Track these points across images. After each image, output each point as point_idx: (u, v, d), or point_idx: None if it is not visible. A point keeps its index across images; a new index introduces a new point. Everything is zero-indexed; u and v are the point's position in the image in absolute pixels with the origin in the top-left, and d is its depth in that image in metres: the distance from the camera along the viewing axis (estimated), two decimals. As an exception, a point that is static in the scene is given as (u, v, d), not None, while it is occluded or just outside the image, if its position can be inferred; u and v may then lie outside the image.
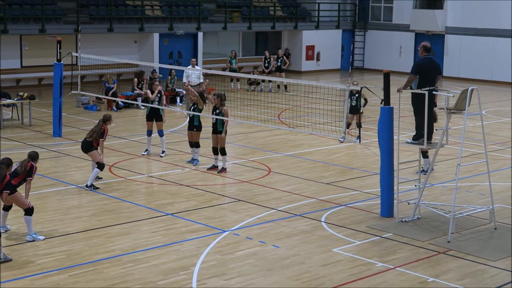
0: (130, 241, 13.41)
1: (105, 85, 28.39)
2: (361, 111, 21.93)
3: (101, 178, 17.58)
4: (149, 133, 20.31)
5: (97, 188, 16.91)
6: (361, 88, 18.16)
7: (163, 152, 20.20)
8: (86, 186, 16.91)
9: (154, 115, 20.17)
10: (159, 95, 20.27)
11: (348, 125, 21.96)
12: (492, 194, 14.55)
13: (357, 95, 21.91)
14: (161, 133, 20.17)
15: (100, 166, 16.93)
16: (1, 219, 13.38)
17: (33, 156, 13.67)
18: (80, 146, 17.47)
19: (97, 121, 17.44)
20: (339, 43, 44.66)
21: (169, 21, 37.38)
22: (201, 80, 27.88)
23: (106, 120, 17.23)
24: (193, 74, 28.05)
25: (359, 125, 21.80)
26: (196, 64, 31.23)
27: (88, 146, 16.94)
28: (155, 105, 20.05)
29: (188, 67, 28.54)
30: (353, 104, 22.05)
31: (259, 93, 33.15)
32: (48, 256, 12.52)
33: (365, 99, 22.09)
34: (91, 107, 27.91)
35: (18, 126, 24.49)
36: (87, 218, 14.78)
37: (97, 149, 16.93)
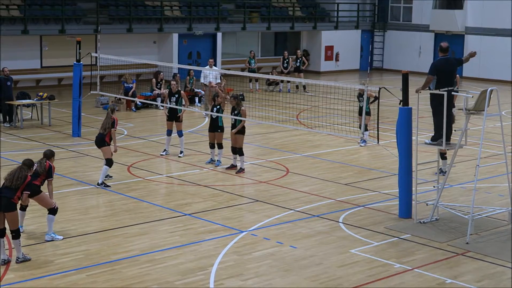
0: (148, 241, 13.44)
1: (124, 85, 28.47)
2: (366, 109, 21.62)
3: (111, 177, 17.68)
4: (169, 132, 20.34)
5: (108, 186, 17.03)
6: (366, 89, 18.01)
7: (181, 152, 20.24)
8: (97, 184, 17.04)
9: (174, 116, 20.20)
10: (176, 95, 20.28)
11: (360, 126, 21.89)
12: (511, 196, 14.45)
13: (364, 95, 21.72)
14: (180, 134, 20.21)
15: (109, 162, 17.07)
16: (19, 219, 13.44)
17: (49, 155, 13.73)
18: (94, 141, 17.64)
19: (106, 115, 17.61)
20: (358, 44, 44.57)
21: (188, 21, 37.47)
22: (218, 81, 27.86)
23: (113, 110, 17.50)
24: (211, 74, 28.07)
25: (365, 128, 21.60)
26: (214, 65, 31.25)
27: (102, 140, 17.16)
28: (173, 105, 20.09)
29: (206, 67, 28.57)
30: (361, 105, 21.91)
31: (278, 94, 33.13)
32: (66, 256, 12.59)
33: (375, 97, 21.66)
34: (110, 107, 27.98)
35: (37, 126, 24.63)
36: (106, 218, 14.84)
37: (109, 144, 17.09)
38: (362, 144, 22.02)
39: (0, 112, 24.66)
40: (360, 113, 21.84)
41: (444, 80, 14.48)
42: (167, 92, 20.69)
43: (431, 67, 14.75)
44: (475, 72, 40.33)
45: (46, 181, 13.44)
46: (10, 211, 12.05)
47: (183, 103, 20.30)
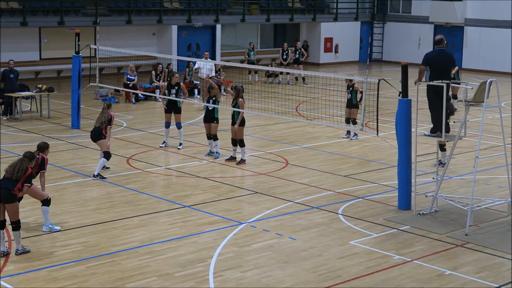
0: (147, 233, 13.45)
1: (127, 76, 28.36)
2: (355, 102, 21.58)
3: (108, 168, 17.71)
4: (167, 125, 20.32)
5: (105, 177, 17.04)
6: (353, 82, 17.85)
7: (180, 144, 20.23)
8: (94, 175, 17.06)
9: (173, 107, 20.19)
10: (176, 87, 20.26)
11: (347, 120, 21.83)
12: (511, 187, 14.44)
13: (351, 88, 21.68)
14: (179, 126, 20.19)
15: (107, 155, 17.11)
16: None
17: (43, 147, 13.78)
18: (89, 135, 17.68)
19: (101, 110, 17.62)
20: (357, 35, 44.53)
21: (187, 13, 37.41)
22: (213, 74, 27.78)
23: (109, 105, 17.56)
24: (205, 67, 28.02)
25: (353, 122, 21.53)
26: (212, 57, 31.17)
27: (98, 134, 17.18)
28: (173, 97, 20.06)
29: (201, 59, 28.50)
30: (348, 97, 21.87)
31: (277, 85, 33.11)
32: (65, 248, 12.59)
33: (361, 92, 21.53)
34: (109, 99, 27.95)
35: (37, 118, 24.63)
36: (105, 210, 14.84)
37: (105, 138, 17.11)
38: (353, 138, 21.99)
39: (2, 104, 24.66)
40: (347, 106, 21.82)
41: (438, 72, 14.48)
42: (166, 84, 20.67)
43: (423, 58, 14.81)
44: (474, 63, 40.32)
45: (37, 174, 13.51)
46: (11, 202, 12.08)
47: (182, 95, 20.27)
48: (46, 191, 13.53)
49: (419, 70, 14.60)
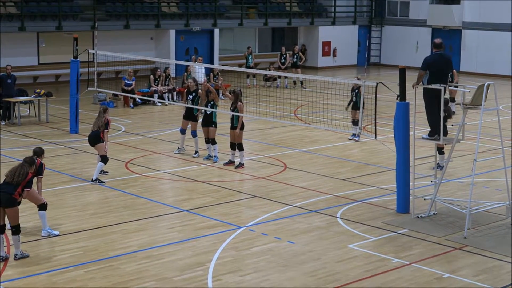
0: (146, 237, 13.45)
1: (125, 80, 28.35)
2: (358, 104, 21.63)
3: (106, 172, 17.70)
4: (182, 131, 20.09)
5: (103, 182, 17.04)
6: (360, 85, 17.96)
7: (196, 152, 19.94)
8: (92, 180, 17.05)
9: (190, 115, 20.04)
10: (194, 94, 19.99)
11: (354, 122, 21.88)
12: (509, 190, 14.46)
13: (357, 90, 21.73)
14: (194, 134, 19.88)
15: (104, 159, 17.10)
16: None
17: (39, 153, 13.83)
18: (87, 139, 17.66)
19: (98, 114, 17.59)
20: (355, 39, 44.58)
21: (185, 17, 37.45)
22: (205, 78, 27.77)
23: (106, 110, 17.53)
24: (201, 71, 28.01)
25: (356, 123, 21.54)
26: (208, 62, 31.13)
27: (97, 138, 17.17)
28: (189, 104, 19.87)
29: (195, 63, 28.52)
30: (353, 100, 21.96)
31: (275, 89, 33.09)
32: (64, 252, 12.59)
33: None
34: (107, 104, 27.95)
35: (35, 123, 24.63)
36: (103, 215, 14.84)
37: (103, 142, 17.11)
38: (357, 139, 22.03)
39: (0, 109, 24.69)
40: (353, 108, 21.90)
41: (436, 75, 14.47)
42: (185, 91, 20.57)
43: (422, 62, 14.77)
44: (472, 66, 40.37)
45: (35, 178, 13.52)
46: (11, 206, 12.11)
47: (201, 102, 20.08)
48: (45, 195, 13.56)
49: (419, 74, 14.58)
